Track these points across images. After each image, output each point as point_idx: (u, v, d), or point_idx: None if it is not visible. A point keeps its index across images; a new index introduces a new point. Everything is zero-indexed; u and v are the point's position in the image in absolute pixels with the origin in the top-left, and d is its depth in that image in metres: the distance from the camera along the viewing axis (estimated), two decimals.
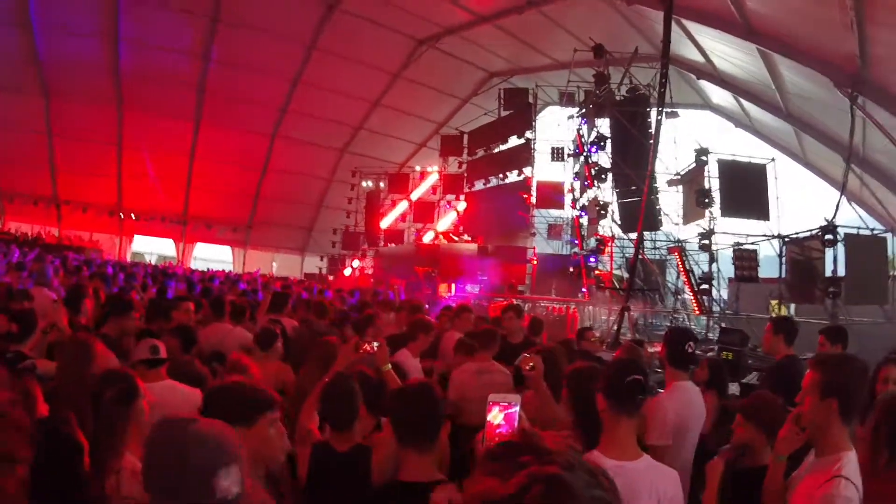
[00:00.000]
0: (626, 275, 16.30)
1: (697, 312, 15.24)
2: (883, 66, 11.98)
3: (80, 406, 2.93)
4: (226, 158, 28.09)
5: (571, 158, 21.07)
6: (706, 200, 14.66)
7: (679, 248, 16.11)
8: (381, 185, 28.79)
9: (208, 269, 23.66)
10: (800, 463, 2.58)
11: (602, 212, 16.83)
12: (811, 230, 12.88)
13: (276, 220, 31.04)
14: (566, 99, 21.23)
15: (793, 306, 14.39)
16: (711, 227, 14.82)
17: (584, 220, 19.01)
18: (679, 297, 16.47)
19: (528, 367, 3.13)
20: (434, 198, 27.68)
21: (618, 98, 17.87)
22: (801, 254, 13.44)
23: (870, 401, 4.02)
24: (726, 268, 15.47)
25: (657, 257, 17.82)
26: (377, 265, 27.30)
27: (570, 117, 20.53)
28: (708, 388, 5.17)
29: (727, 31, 14.27)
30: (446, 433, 2.69)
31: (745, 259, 14.33)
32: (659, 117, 13.35)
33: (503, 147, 23.24)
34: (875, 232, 13.53)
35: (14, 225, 26.28)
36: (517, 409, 1.70)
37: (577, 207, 19.30)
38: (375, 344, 3.17)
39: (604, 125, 17.58)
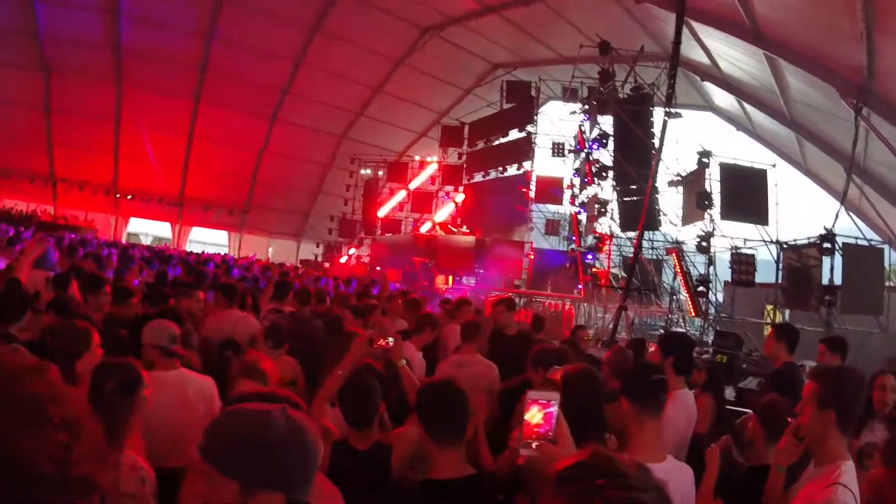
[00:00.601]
0: (623, 273, 16.35)
1: (693, 314, 15.29)
2: (890, 78, 11.97)
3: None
4: (224, 140, 27.95)
5: (572, 154, 21.07)
6: (706, 203, 14.67)
7: (677, 249, 16.14)
8: (380, 173, 28.69)
9: (203, 252, 23.54)
10: (799, 473, 2.60)
11: (601, 209, 16.83)
12: (809, 238, 12.93)
13: (274, 204, 30.92)
14: (569, 94, 21.15)
15: (787, 312, 14.45)
16: (710, 229, 14.85)
17: (583, 217, 19.02)
18: (675, 297, 16.50)
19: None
20: (433, 188, 27.62)
21: (621, 96, 17.85)
22: (799, 261, 13.49)
23: (867, 410, 4.10)
24: (723, 271, 15.52)
25: (655, 257, 17.85)
26: (373, 254, 27.25)
27: (573, 113, 20.50)
28: (704, 391, 5.21)
29: (735, 34, 14.22)
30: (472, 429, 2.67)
31: (743, 263, 14.35)
32: (665, 118, 13.32)
33: (504, 140, 23.21)
34: (873, 243, 13.59)
35: (10, 202, 26.02)
36: (556, 407, 1.68)
37: (577, 204, 19.31)
38: (391, 339, 3.14)
39: (606, 122, 17.55)
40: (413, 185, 28.01)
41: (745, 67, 16.78)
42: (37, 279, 6.20)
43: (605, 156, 17.21)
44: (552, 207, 23.17)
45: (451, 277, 21.83)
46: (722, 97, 21.69)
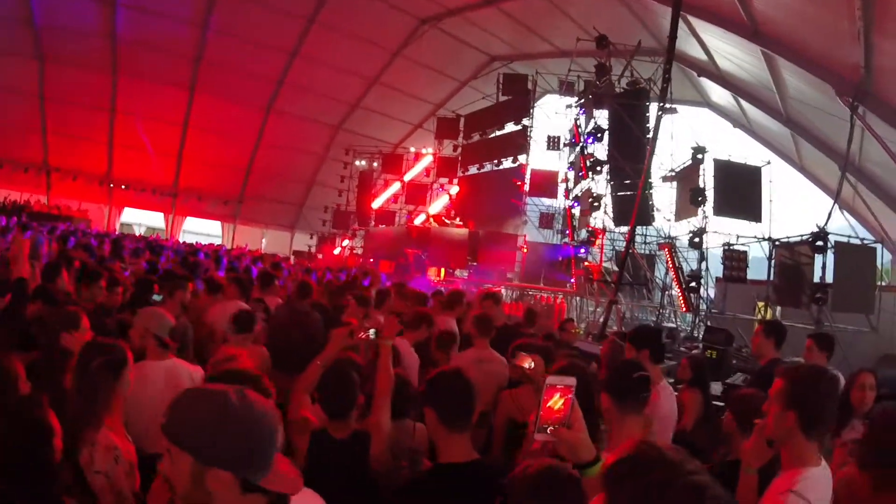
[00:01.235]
0: (615, 268, 16.36)
1: (684, 309, 15.32)
2: (887, 77, 11.95)
3: (59, 380, 2.88)
4: (219, 130, 27.80)
5: (567, 148, 21.05)
6: (700, 199, 14.69)
7: (669, 244, 16.15)
8: (375, 164, 28.60)
9: (196, 243, 23.50)
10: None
11: (595, 204, 16.83)
12: (802, 235, 12.92)
13: (268, 195, 30.82)
14: (565, 88, 21.13)
15: (779, 309, 14.47)
16: (703, 225, 14.87)
17: (577, 211, 19.02)
18: (667, 293, 16.53)
19: (527, 366, 3.10)
20: (427, 180, 27.63)
21: (618, 90, 17.83)
22: (791, 258, 13.49)
23: (847, 408, 4.07)
24: (715, 267, 15.55)
25: (647, 252, 17.86)
26: (367, 245, 27.22)
27: (569, 107, 20.48)
28: (691, 387, 5.22)
29: (733, 31, 14.19)
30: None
31: (735, 259, 14.38)
32: (659, 113, 13.30)
33: (499, 132, 23.20)
34: (865, 242, 13.58)
35: (3, 192, 25.84)
36: (572, 392, 1.69)
37: (570, 198, 19.30)
38: (372, 331, 3.11)
39: (602, 117, 17.54)
40: (408, 177, 27.98)
41: (741, 64, 16.76)
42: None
43: (600, 150, 17.21)
44: (546, 201, 23.16)
45: (443, 270, 21.83)
46: (718, 93, 21.68)
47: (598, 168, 16.86)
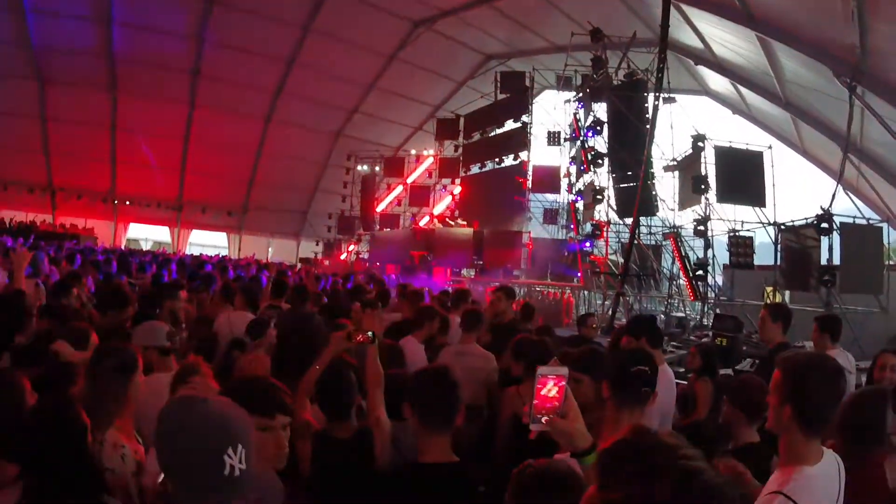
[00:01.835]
0: (621, 260, 16.33)
1: (692, 298, 15.29)
2: (883, 57, 11.93)
3: (64, 392, 2.91)
4: (220, 142, 27.93)
5: (568, 143, 21.00)
6: (702, 187, 14.67)
7: (674, 233, 16.12)
8: (377, 168, 28.60)
9: (200, 255, 23.57)
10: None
11: (598, 196, 16.79)
12: (807, 218, 12.89)
13: (272, 204, 30.96)
14: (563, 83, 21.08)
15: (787, 293, 14.43)
16: (707, 213, 14.84)
17: (580, 205, 18.98)
18: (674, 282, 16.49)
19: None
20: (429, 182, 27.62)
21: (615, 83, 17.79)
22: (797, 241, 13.47)
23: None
24: (721, 254, 15.52)
25: (653, 243, 17.81)
26: (373, 249, 27.25)
27: (567, 101, 20.42)
28: (702, 375, 5.19)
29: (726, 17, 14.18)
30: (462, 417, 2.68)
31: (741, 246, 14.37)
32: (656, 102, 13.29)
33: (499, 131, 23.15)
34: (871, 222, 13.54)
35: (9, 213, 26.03)
36: (565, 381, 1.68)
37: (574, 192, 19.26)
38: (370, 333, 3.12)
39: (601, 110, 17.50)
40: (410, 180, 28.00)
41: (738, 50, 16.72)
42: (27, 287, 6.24)
43: (601, 143, 17.17)
44: (550, 196, 23.11)
45: (450, 270, 21.83)
46: (717, 81, 21.62)
47: (599, 161, 16.83)
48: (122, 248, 26.18)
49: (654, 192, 16.67)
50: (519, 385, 4.06)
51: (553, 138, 21.76)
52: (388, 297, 6.84)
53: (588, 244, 17.47)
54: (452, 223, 24.66)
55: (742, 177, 14.94)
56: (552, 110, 22.38)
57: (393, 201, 28.65)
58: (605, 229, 17.52)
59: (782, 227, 13.92)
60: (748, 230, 14.72)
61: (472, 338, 5.18)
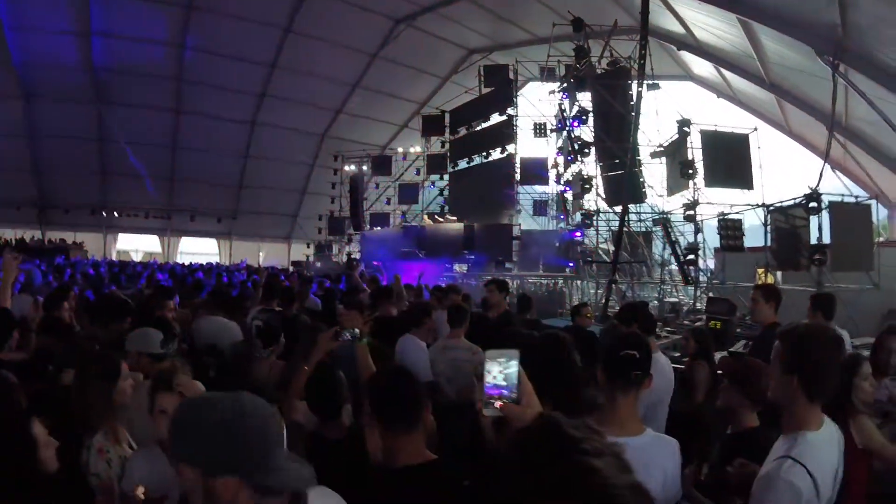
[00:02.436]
0: (612, 248, 16.35)
1: (683, 282, 15.34)
2: (864, 34, 11.95)
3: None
4: (208, 147, 27.75)
5: (554, 134, 21.01)
6: (689, 171, 14.69)
7: (664, 219, 16.15)
8: (364, 168, 28.58)
9: (190, 263, 23.48)
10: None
11: (586, 186, 16.79)
12: (795, 199, 12.93)
13: (261, 208, 30.85)
14: (547, 74, 21.09)
15: (779, 274, 14.48)
16: (696, 198, 14.87)
17: (570, 195, 19.00)
18: (666, 268, 16.53)
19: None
20: (418, 179, 27.58)
21: (598, 72, 17.79)
22: (786, 222, 13.50)
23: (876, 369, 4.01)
24: (712, 238, 15.57)
25: (643, 230, 17.84)
26: (364, 249, 27.19)
27: (552, 92, 20.41)
28: (697, 359, 5.18)
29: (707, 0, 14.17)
30: (429, 413, 2.62)
31: (730, 229, 14.40)
32: (640, 89, 13.29)
33: (485, 125, 23.14)
34: (859, 199, 13.59)
35: None
36: (516, 364, 1.62)
37: (562, 182, 19.27)
38: (357, 330, 3.09)
39: (585, 99, 17.48)
40: (398, 178, 27.93)
41: (719, 33, 16.74)
42: (24, 303, 6.16)
43: (587, 132, 17.16)
44: (539, 188, 23.14)
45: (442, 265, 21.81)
46: (700, 65, 21.64)
47: (586, 150, 16.82)
48: (112, 259, 26.05)
49: (641, 180, 16.69)
50: None
51: (539, 130, 21.78)
52: (390, 295, 6.77)
53: (579, 234, 17.49)
54: (442, 219, 24.65)
55: (729, 160, 14.99)
56: (537, 102, 22.42)
57: (383, 200, 28.58)
58: (594, 218, 17.54)
59: (771, 208, 13.95)
60: (737, 213, 14.75)
61: (460, 332, 5.16)
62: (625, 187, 14.07)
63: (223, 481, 1.41)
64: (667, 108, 17.21)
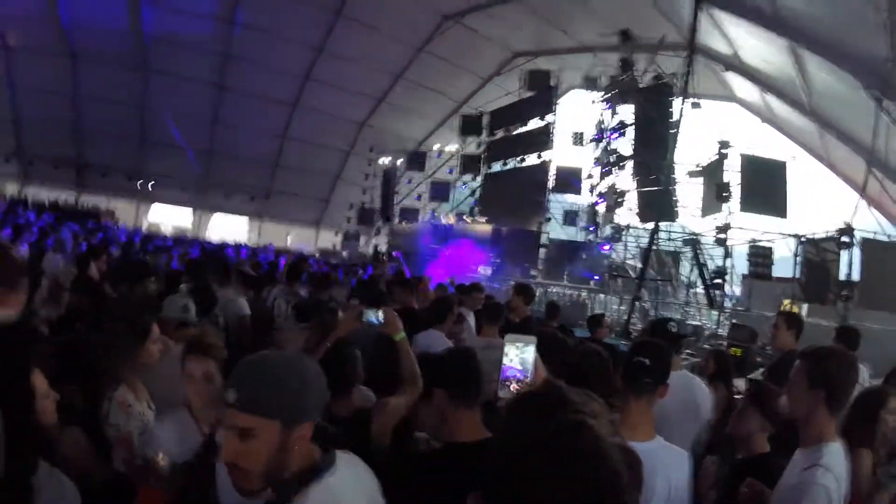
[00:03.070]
0: (639, 265, 16.30)
1: (708, 306, 15.22)
2: None
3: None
4: (247, 125, 28.04)
5: (592, 144, 20.95)
6: (725, 195, 14.57)
7: (694, 241, 16.03)
8: (399, 161, 28.71)
9: (221, 241, 23.80)
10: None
11: (619, 199, 16.74)
12: (828, 231, 12.78)
13: (294, 189, 31.07)
14: (589, 83, 21.01)
15: (805, 307, 14.31)
16: (728, 221, 14.75)
17: (601, 208, 18.93)
18: (692, 290, 16.41)
19: None
20: (451, 177, 27.61)
21: (641, 85, 17.69)
22: (817, 255, 13.37)
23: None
24: (741, 264, 15.42)
25: (672, 249, 17.72)
26: (391, 242, 27.30)
27: (593, 102, 20.34)
28: (715, 381, 5.18)
29: (757, 22, 14.05)
30: None
31: (760, 256, 14.29)
32: (682, 106, 13.23)
33: (523, 129, 23.11)
34: (892, 238, 13.40)
35: (32, 191, 26.40)
36: (532, 350, 1.74)
37: (595, 194, 19.20)
38: (380, 313, 3.11)
39: (626, 112, 17.42)
40: (431, 175, 28.02)
41: (767, 57, 16.55)
42: (56, 261, 6.39)
43: (624, 145, 17.10)
44: (570, 197, 23.05)
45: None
46: (744, 88, 21.39)
47: (622, 163, 16.77)
48: (143, 230, 26.44)
49: (675, 198, 16.59)
50: None
51: (577, 139, 21.72)
52: (406, 284, 6.85)
53: (608, 247, 17.43)
54: (471, 220, 24.67)
55: (765, 186, 14.84)
56: (577, 110, 22.34)
57: (414, 195, 28.73)
58: (624, 233, 17.48)
59: (803, 239, 13.80)
60: (768, 241, 14.61)
61: (494, 330, 5.19)
62: (658, 204, 13.98)
63: (299, 428, 1.55)
64: (707, 128, 17.08)
